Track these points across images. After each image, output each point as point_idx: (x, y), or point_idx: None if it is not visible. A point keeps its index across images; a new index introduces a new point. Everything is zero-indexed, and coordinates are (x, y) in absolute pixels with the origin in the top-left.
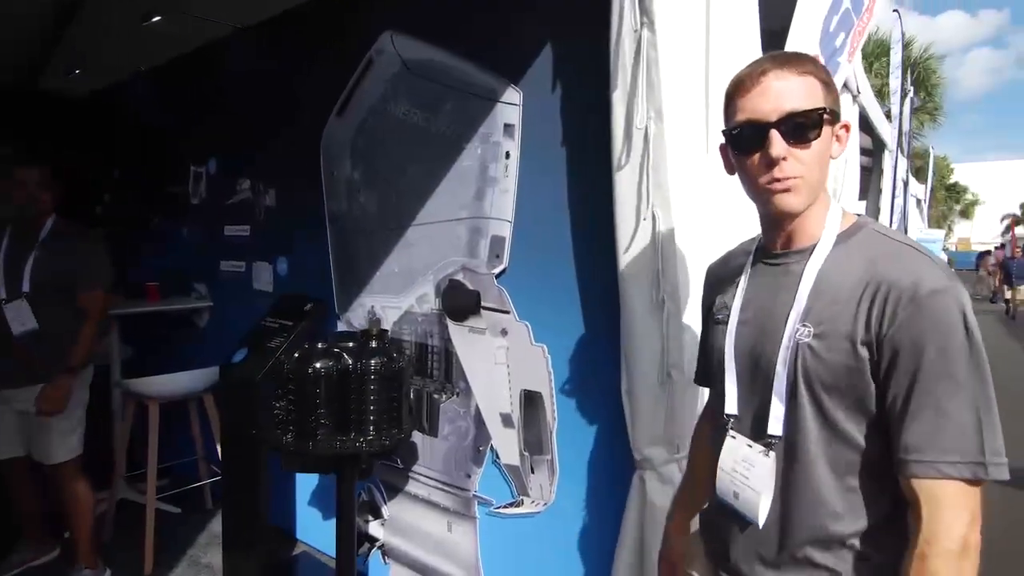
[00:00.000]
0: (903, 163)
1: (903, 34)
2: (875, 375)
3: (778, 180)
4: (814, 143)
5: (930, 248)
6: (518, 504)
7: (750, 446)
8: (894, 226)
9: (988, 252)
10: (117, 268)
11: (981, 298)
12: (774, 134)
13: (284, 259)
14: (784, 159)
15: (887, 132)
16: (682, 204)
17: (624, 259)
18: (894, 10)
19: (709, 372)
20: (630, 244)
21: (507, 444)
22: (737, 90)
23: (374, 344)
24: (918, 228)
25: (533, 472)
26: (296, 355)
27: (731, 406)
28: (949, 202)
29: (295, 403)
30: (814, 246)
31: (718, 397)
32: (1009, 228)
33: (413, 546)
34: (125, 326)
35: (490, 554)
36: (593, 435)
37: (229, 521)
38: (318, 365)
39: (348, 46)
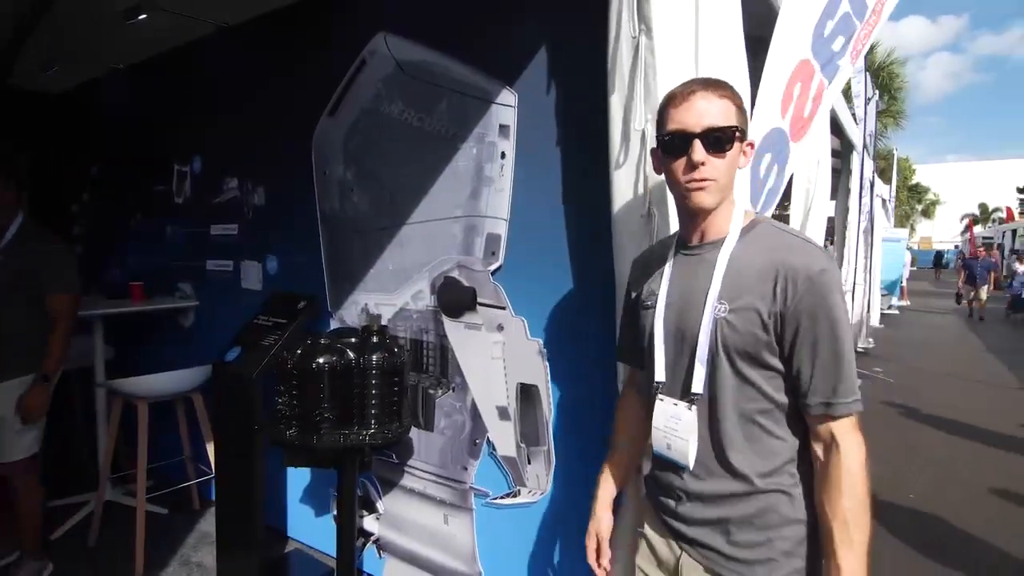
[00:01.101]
0: (869, 164)
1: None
2: (779, 341)
3: (696, 180)
4: (727, 153)
5: (895, 247)
6: (515, 495)
7: (676, 404)
8: (862, 225)
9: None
10: (96, 267)
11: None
12: (696, 143)
13: (274, 258)
14: (703, 163)
15: (855, 134)
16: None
17: (621, 255)
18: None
19: (636, 350)
20: (628, 240)
21: (504, 436)
22: (670, 103)
23: (375, 340)
24: (883, 227)
25: (530, 463)
26: (299, 351)
27: (660, 375)
28: (911, 202)
29: (298, 398)
30: (723, 239)
31: (647, 370)
32: (968, 228)
33: (409, 539)
34: (107, 326)
35: (487, 544)
36: (589, 425)
37: (223, 520)
38: (321, 360)
39: (339, 47)
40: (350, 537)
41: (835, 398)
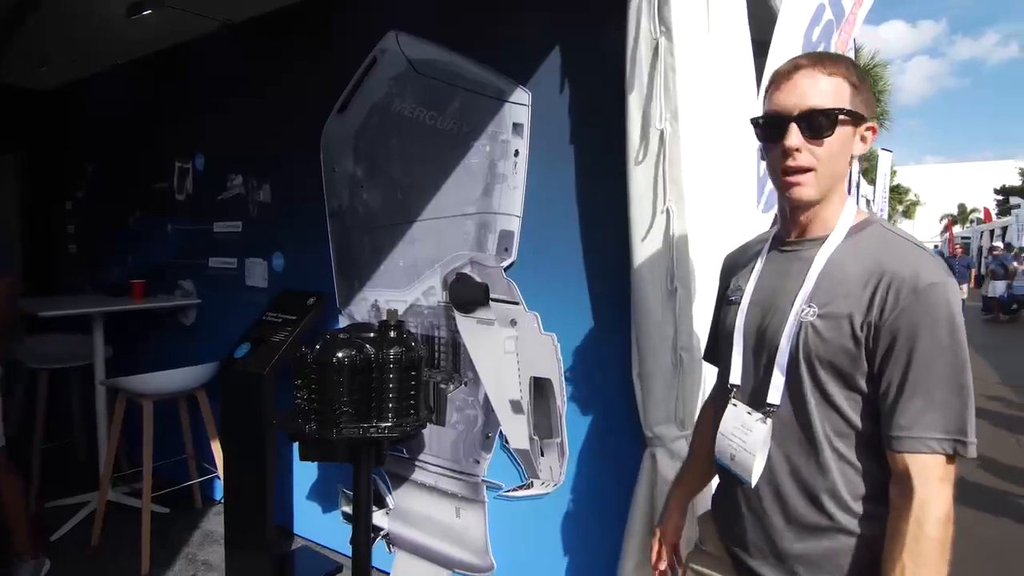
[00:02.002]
0: (855, 165)
1: (853, 41)
2: (869, 358)
3: (792, 169)
4: (828, 139)
5: None
6: (528, 487)
7: (749, 413)
8: None
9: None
10: (93, 265)
11: None
12: (792, 127)
13: (280, 255)
14: (798, 150)
15: None
16: (695, 199)
17: (639, 250)
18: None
19: (718, 349)
20: (646, 236)
21: (517, 429)
22: (771, 83)
23: (393, 334)
24: None
25: (543, 455)
26: (318, 345)
27: (735, 377)
28: (892, 203)
29: (317, 392)
30: (826, 236)
31: (723, 370)
32: (947, 228)
33: (420, 533)
34: (106, 325)
35: (500, 537)
36: (602, 417)
37: (232, 518)
38: (341, 355)
39: (348, 44)
40: (366, 531)
41: (922, 432)
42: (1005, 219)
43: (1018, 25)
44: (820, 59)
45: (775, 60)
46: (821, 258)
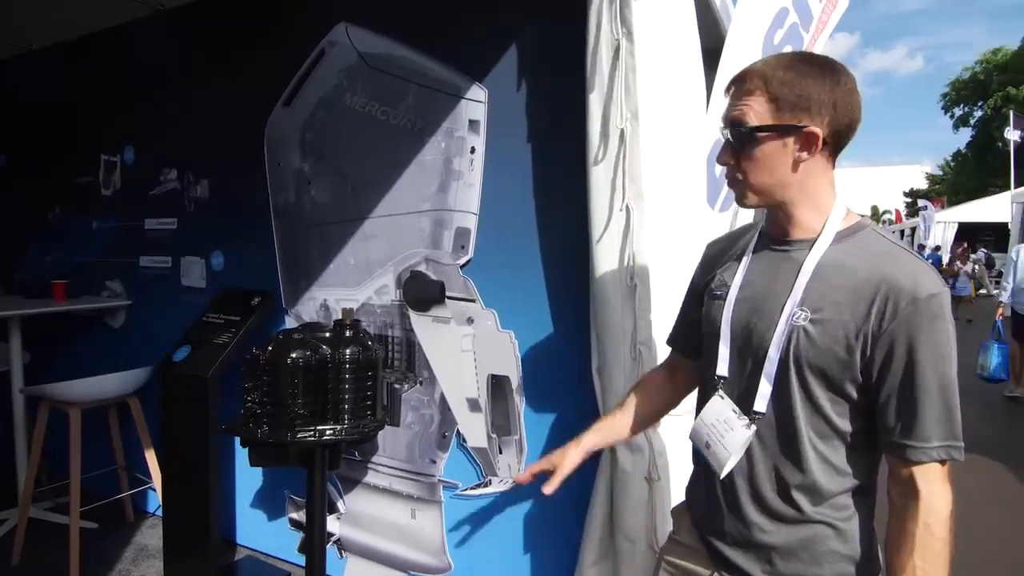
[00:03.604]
0: None
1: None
2: (864, 367)
3: (728, 180)
4: (753, 154)
5: None
6: (486, 485)
7: (735, 411)
8: None
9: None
10: (7, 266)
11: None
12: (725, 142)
13: (219, 253)
14: (728, 163)
15: None
16: (654, 197)
17: (598, 247)
18: None
19: (690, 338)
20: (605, 233)
21: (474, 427)
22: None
23: (349, 334)
24: None
25: (501, 452)
26: (270, 346)
27: (723, 369)
28: None
29: (270, 394)
30: (814, 239)
31: (706, 360)
32: None
33: (373, 536)
34: (24, 329)
35: (457, 536)
36: (560, 412)
37: (173, 530)
38: (295, 355)
39: (294, 35)
40: (321, 537)
41: (921, 441)
42: (913, 220)
43: (923, 40)
44: (743, 75)
45: (730, 64)
46: (811, 261)
